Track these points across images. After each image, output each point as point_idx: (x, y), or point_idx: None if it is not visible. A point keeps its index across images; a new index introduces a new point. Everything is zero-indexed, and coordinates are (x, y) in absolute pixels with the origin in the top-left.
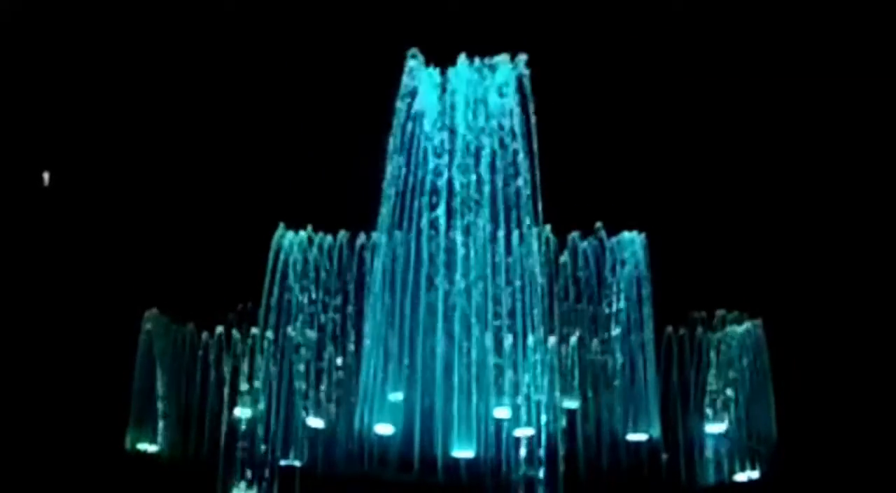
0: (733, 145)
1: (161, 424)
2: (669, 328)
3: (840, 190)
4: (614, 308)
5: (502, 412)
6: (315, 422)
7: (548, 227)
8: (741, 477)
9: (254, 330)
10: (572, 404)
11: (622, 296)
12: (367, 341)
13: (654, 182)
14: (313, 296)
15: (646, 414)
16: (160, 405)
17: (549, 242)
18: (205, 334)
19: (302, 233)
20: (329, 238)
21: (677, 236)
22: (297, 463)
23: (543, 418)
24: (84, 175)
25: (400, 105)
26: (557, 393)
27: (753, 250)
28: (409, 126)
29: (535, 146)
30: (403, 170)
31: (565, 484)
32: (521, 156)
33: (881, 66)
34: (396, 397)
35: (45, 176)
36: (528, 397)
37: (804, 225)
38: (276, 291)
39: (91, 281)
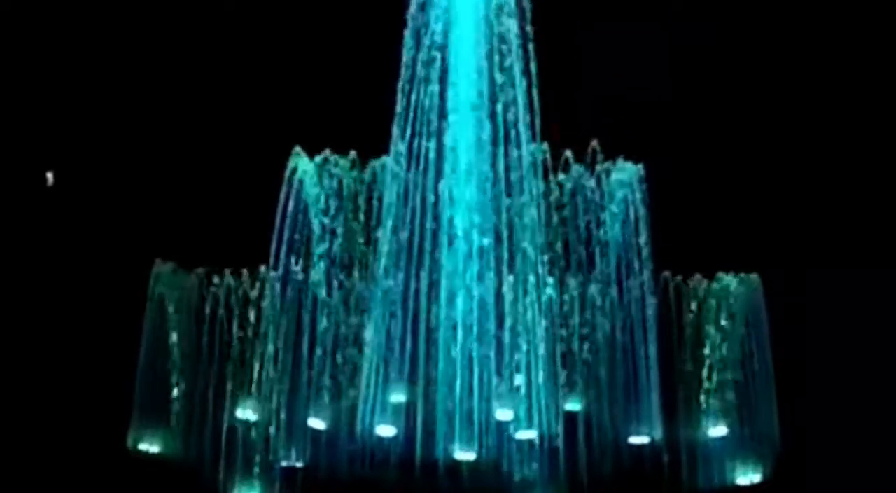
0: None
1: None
2: (667, 273)
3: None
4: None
5: (505, 414)
6: (316, 423)
7: (545, 144)
8: (743, 481)
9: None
10: (575, 406)
11: (617, 226)
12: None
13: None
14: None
15: (648, 416)
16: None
17: (546, 162)
18: (215, 279)
19: (318, 158)
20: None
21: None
22: (299, 464)
23: (545, 417)
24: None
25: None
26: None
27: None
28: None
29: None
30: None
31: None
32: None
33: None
34: (399, 398)
35: (49, 175)
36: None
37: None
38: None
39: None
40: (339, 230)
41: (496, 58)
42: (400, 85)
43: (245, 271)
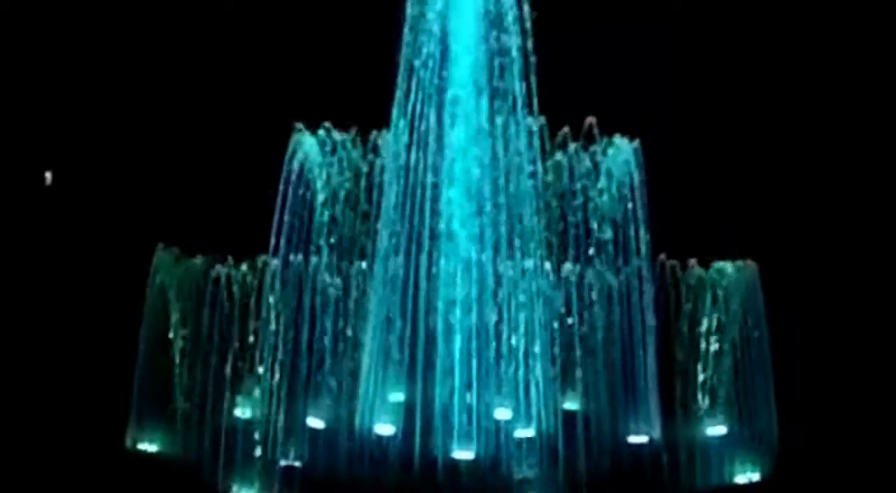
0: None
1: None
2: (663, 256)
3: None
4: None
5: (503, 413)
6: (315, 422)
7: (542, 118)
8: (742, 479)
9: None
10: (573, 405)
11: (613, 207)
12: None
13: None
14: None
15: (646, 414)
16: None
17: (542, 136)
18: (217, 267)
19: (320, 132)
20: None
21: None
22: (298, 463)
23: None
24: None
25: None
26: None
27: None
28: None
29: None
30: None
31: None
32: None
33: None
34: (397, 397)
35: (48, 175)
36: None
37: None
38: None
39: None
40: (341, 208)
41: (496, 41)
42: (401, 62)
43: (247, 261)
